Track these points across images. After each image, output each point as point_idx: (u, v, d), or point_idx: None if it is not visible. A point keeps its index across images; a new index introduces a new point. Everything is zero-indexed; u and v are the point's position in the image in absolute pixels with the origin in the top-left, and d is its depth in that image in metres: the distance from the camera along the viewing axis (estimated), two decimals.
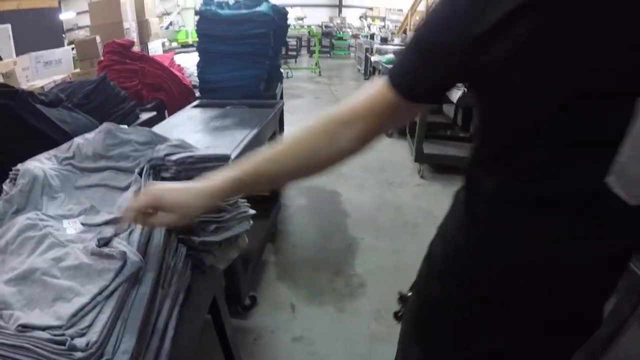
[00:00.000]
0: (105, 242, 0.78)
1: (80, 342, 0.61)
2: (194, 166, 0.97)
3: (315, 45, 11.37)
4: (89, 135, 1.10)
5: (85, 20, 5.56)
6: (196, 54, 2.40)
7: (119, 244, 0.77)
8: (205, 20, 2.25)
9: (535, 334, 0.66)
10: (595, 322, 0.68)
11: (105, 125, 1.11)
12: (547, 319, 0.65)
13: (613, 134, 0.49)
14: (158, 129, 1.78)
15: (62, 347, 0.59)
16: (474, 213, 0.68)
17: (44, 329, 0.63)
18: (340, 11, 17.61)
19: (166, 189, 0.74)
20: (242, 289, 1.92)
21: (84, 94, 1.78)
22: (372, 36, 10.11)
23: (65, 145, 1.10)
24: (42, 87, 3.16)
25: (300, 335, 1.88)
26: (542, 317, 0.65)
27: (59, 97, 1.60)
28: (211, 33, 2.26)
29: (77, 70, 3.92)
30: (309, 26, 13.61)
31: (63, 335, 0.61)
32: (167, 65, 2.51)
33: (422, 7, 8.64)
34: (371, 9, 16.08)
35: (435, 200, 3.21)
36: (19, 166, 0.99)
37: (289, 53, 11.74)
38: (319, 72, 9.89)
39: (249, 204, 1.09)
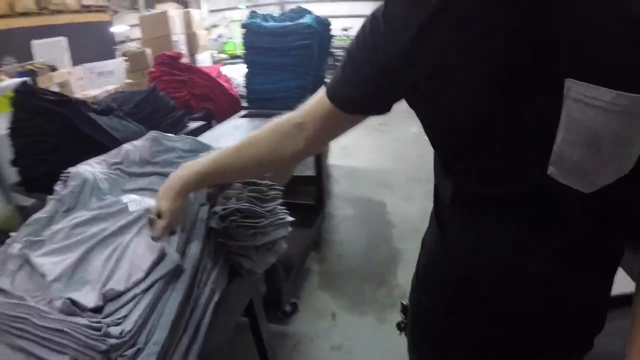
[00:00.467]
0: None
1: (115, 330, 0.65)
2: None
3: None
4: (137, 142, 1.17)
5: (137, 33, 5.99)
6: (244, 65, 2.48)
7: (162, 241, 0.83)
8: (251, 33, 2.31)
9: (513, 339, 0.65)
10: (583, 325, 0.65)
11: (152, 133, 1.17)
12: (520, 323, 0.64)
13: (548, 124, 0.47)
14: (205, 137, 1.86)
15: (98, 332, 0.63)
16: (441, 220, 0.69)
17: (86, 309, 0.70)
18: None
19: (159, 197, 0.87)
20: (283, 295, 1.94)
21: (135, 103, 1.88)
22: None
23: (114, 151, 1.17)
24: (95, 97, 3.40)
25: (339, 343, 1.86)
26: (516, 321, 0.64)
27: (111, 106, 1.70)
28: (257, 45, 2.32)
29: (129, 80, 4.21)
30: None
31: (99, 322, 0.65)
32: (215, 76, 2.60)
33: None
34: None
35: None
36: (70, 169, 1.07)
37: (336, 64, 11.81)
38: None
39: (288, 211, 1.11)
